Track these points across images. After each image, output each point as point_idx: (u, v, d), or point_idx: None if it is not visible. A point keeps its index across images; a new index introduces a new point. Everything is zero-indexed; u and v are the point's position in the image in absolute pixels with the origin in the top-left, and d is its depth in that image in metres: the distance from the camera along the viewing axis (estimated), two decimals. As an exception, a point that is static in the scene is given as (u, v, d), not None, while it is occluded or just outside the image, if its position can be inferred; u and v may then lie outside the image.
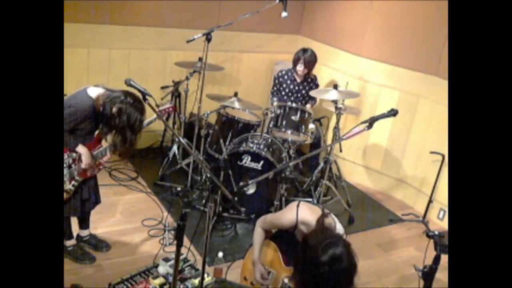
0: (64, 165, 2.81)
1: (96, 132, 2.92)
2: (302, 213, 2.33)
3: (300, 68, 4.37)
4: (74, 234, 3.20)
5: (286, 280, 2.39)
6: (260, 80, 5.43)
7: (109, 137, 2.94)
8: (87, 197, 3.01)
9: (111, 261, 3.18)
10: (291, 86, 4.52)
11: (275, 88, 4.62)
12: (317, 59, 4.45)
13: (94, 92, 2.77)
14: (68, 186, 2.86)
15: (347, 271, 1.81)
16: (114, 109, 2.71)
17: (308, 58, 4.35)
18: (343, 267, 1.79)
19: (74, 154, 2.83)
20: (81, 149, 2.82)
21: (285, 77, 4.54)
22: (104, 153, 2.96)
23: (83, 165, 2.85)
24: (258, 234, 2.55)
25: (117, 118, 2.72)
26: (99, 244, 3.25)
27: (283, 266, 2.44)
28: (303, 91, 4.53)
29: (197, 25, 4.48)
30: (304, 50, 4.38)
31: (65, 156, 2.80)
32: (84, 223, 3.25)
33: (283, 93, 4.55)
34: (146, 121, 2.94)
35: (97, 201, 3.13)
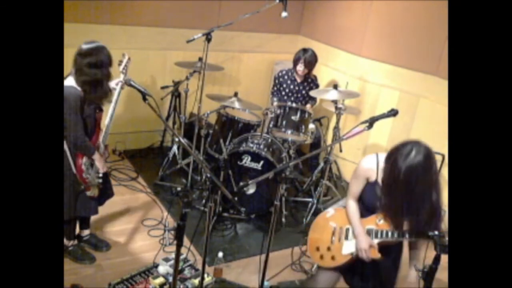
0: (89, 166, 2.88)
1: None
2: (381, 157, 2.35)
3: (300, 68, 4.38)
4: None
5: (370, 226, 2.39)
6: (260, 80, 5.43)
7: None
8: (98, 194, 3.06)
9: (111, 261, 3.18)
10: (291, 86, 4.52)
11: (275, 88, 4.62)
12: (317, 60, 4.45)
13: (68, 81, 2.74)
14: (96, 181, 2.95)
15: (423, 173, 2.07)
16: (87, 70, 2.69)
17: (309, 58, 4.35)
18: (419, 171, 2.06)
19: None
20: (96, 155, 2.88)
21: (285, 77, 4.54)
22: (106, 136, 2.99)
23: (100, 170, 2.93)
24: (351, 207, 2.47)
25: (92, 72, 2.70)
26: (99, 244, 3.26)
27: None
28: (303, 91, 4.53)
29: (197, 25, 4.48)
30: (305, 50, 4.38)
31: (85, 159, 2.86)
32: (84, 223, 3.25)
33: (283, 93, 4.55)
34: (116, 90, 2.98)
35: (107, 195, 3.19)
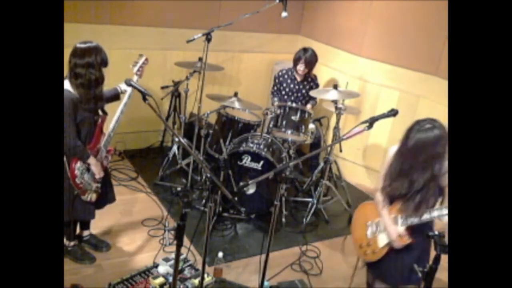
0: (85, 171, 2.83)
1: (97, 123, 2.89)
2: None
3: (300, 68, 4.38)
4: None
5: (394, 214, 2.48)
6: (260, 80, 5.43)
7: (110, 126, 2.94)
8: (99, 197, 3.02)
9: (111, 261, 3.18)
10: (291, 86, 4.52)
11: (275, 88, 4.62)
12: (317, 59, 4.45)
13: (64, 85, 2.70)
14: (93, 186, 2.90)
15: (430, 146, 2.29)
16: (83, 71, 2.64)
17: (309, 58, 4.35)
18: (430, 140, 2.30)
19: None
20: (91, 160, 2.82)
21: (285, 76, 4.54)
22: (109, 139, 2.94)
23: (96, 176, 2.87)
24: (378, 198, 2.58)
25: (87, 73, 2.65)
26: (99, 244, 3.26)
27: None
28: (303, 91, 4.53)
29: (197, 25, 4.48)
30: (305, 50, 4.38)
31: (80, 163, 2.80)
32: (85, 224, 3.25)
33: (283, 92, 4.56)
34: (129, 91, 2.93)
35: (108, 199, 3.14)
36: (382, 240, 2.52)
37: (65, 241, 3.10)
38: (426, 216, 2.36)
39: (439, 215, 2.34)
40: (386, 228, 2.49)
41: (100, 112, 2.88)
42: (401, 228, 2.44)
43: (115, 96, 3.02)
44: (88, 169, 2.85)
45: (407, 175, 2.39)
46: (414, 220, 2.39)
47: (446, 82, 4.09)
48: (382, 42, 4.62)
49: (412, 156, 2.36)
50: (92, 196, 2.92)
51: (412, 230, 2.44)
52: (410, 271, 2.37)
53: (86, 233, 3.27)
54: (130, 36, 4.45)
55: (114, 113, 2.95)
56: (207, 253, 2.44)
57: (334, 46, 5.03)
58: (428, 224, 2.46)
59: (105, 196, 3.08)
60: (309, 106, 4.50)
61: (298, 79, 4.51)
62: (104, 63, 2.73)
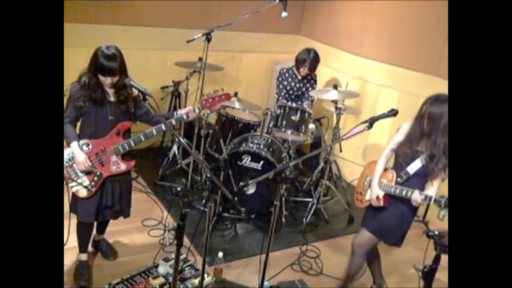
0: (70, 161, 2.73)
1: (116, 126, 2.83)
2: None
3: (304, 70, 4.38)
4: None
5: (383, 179, 2.78)
6: (260, 80, 5.43)
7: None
8: (110, 204, 2.88)
9: (111, 261, 3.18)
10: (292, 84, 4.52)
11: (280, 87, 4.60)
12: (320, 60, 4.45)
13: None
14: (87, 181, 2.77)
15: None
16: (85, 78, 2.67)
17: (313, 61, 4.36)
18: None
19: (90, 146, 2.74)
20: (74, 146, 2.71)
21: (286, 74, 4.54)
22: (126, 147, 2.82)
23: (78, 167, 2.73)
24: (380, 160, 2.87)
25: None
26: (108, 252, 3.21)
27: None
28: (303, 89, 4.54)
29: (197, 25, 4.48)
30: (309, 52, 4.36)
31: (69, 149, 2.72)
32: (100, 229, 3.21)
33: (283, 91, 4.55)
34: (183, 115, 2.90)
35: (121, 212, 2.97)
36: (368, 195, 2.89)
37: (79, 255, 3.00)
38: (403, 192, 2.60)
39: (406, 195, 2.58)
40: (371, 187, 2.82)
41: (132, 119, 2.89)
42: (380, 192, 2.74)
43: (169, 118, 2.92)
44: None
45: (429, 136, 2.58)
46: (396, 192, 2.64)
47: (446, 82, 4.08)
48: (382, 42, 4.62)
49: (423, 126, 2.57)
50: (79, 190, 2.76)
51: (389, 197, 2.74)
52: (383, 229, 2.80)
53: (100, 237, 3.25)
54: (130, 36, 4.45)
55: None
56: (207, 253, 2.44)
57: (334, 46, 5.03)
58: (407, 201, 2.65)
59: (111, 207, 2.91)
60: (304, 105, 4.50)
61: (299, 77, 4.52)
62: (98, 69, 2.63)
